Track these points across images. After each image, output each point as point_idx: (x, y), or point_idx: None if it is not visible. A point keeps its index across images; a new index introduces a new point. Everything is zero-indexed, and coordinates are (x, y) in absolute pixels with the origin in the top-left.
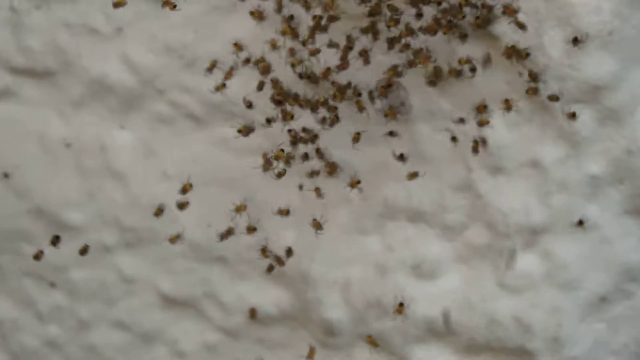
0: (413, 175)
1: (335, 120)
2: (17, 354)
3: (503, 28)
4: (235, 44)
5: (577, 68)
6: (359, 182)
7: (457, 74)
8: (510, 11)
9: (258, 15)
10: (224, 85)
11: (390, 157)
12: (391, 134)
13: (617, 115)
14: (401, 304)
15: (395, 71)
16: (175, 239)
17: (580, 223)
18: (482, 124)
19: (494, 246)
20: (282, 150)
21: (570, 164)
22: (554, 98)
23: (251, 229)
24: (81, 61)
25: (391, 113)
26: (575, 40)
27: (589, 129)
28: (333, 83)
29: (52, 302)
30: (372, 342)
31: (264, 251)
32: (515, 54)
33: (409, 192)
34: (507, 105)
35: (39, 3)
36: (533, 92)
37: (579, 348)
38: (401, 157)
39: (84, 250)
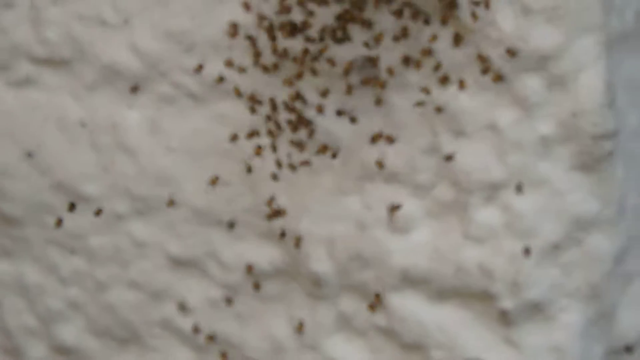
0: (389, 139)
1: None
2: (43, 315)
3: (465, 11)
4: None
5: (526, 40)
6: (335, 154)
7: (428, 52)
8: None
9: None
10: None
11: (367, 127)
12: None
13: (563, 81)
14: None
15: (367, 47)
16: (170, 203)
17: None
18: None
19: (459, 202)
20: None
21: (523, 127)
22: (498, 78)
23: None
24: (93, 49)
25: (368, 81)
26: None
27: (539, 95)
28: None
29: (72, 267)
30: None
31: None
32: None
33: (384, 156)
34: (462, 85)
35: None
36: (486, 69)
37: (536, 291)
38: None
39: (98, 212)
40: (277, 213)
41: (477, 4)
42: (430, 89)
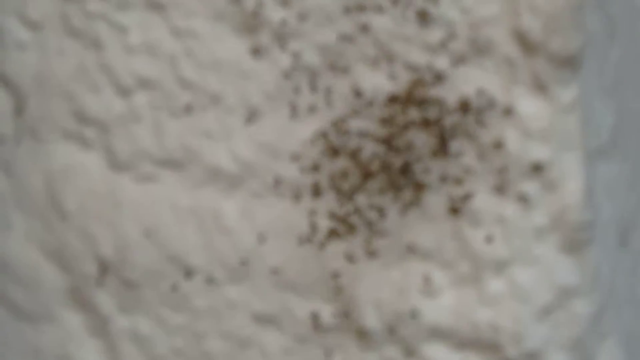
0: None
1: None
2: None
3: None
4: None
5: (527, 153)
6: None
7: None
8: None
9: None
10: None
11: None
12: None
13: (553, 185)
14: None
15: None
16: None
17: None
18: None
19: (476, 275)
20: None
21: (524, 218)
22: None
23: None
24: (202, 154)
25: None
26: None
27: (536, 194)
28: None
29: (178, 322)
30: None
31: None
32: None
33: (420, 238)
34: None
35: (179, 113)
36: (501, 185)
37: (532, 342)
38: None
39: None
40: (340, 289)
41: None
42: (453, 192)
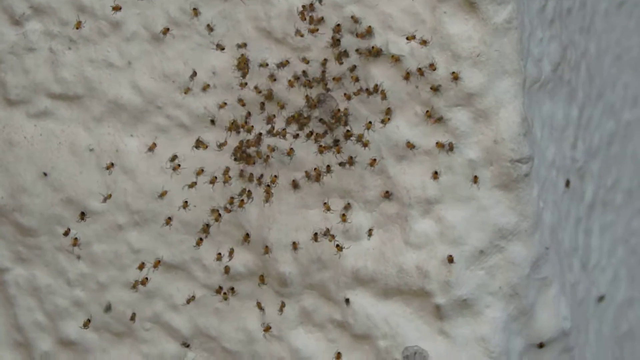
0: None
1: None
2: (51, 312)
3: (402, 51)
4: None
5: (456, 81)
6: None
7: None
8: (410, 38)
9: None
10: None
11: (327, 155)
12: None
13: (486, 114)
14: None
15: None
16: (168, 220)
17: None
18: (385, 121)
19: (401, 214)
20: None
21: (454, 151)
22: (438, 120)
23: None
24: (101, 87)
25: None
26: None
27: (466, 125)
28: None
29: (78, 271)
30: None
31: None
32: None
33: (339, 177)
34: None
35: (70, 45)
36: (429, 113)
37: (465, 289)
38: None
39: (82, 215)
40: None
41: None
42: (375, 123)
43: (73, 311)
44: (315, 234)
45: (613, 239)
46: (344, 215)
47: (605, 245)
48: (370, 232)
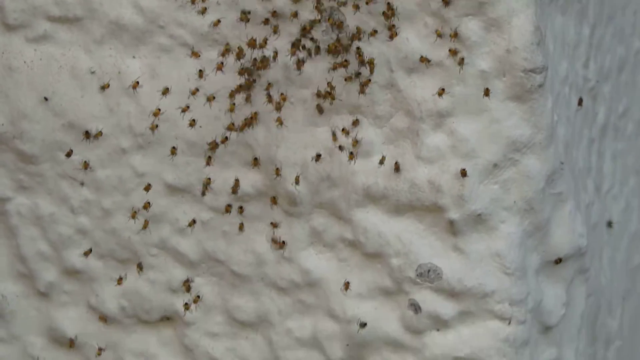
0: (350, 78)
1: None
2: (54, 241)
3: None
4: None
5: None
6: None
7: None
8: None
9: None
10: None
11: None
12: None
13: (498, 23)
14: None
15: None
16: (173, 150)
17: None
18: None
19: (412, 128)
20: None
21: (466, 63)
22: (455, 35)
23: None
24: (102, 8)
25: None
26: None
27: (478, 35)
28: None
29: (81, 198)
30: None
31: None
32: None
33: (348, 92)
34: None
35: None
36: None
37: (479, 204)
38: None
39: (87, 134)
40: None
41: None
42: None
43: (77, 239)
44: (319, 155)
45: (624, 168)
46: (355, 141)
47: (618, 174)
48: (382, 160)
